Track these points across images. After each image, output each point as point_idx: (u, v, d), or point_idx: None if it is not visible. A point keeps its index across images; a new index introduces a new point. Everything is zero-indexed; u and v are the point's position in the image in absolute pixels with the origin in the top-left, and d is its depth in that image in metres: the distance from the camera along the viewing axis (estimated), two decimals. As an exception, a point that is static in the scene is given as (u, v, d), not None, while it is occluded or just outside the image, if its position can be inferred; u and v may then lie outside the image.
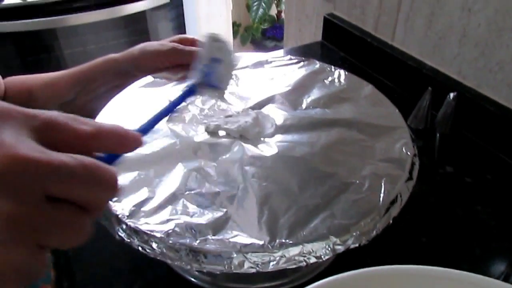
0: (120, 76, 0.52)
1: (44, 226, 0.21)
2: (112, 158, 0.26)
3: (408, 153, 0.40)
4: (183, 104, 0.45)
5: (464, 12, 0.59)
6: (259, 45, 2.61)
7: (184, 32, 1.70)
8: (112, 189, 0.23)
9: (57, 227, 0.21)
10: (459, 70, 0.63)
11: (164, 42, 0.53)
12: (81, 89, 0.52)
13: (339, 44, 0.85)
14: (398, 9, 0.69)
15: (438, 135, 0.62)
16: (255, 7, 2.26)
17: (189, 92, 0.37)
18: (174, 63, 0.51)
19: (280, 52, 0.59)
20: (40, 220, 0.20)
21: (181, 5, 1.63)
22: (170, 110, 0.34)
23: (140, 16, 1.54)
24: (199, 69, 0.40)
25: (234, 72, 0.51)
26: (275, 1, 2.36)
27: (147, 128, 0.31)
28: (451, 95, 0.59)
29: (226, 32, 1.97)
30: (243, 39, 2.57)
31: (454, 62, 0.63)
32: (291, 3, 1.01)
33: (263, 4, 2.24)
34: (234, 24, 2.46)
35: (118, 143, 0.25)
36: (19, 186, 0.20)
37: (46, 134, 0.23)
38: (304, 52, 0.87)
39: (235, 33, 2.50)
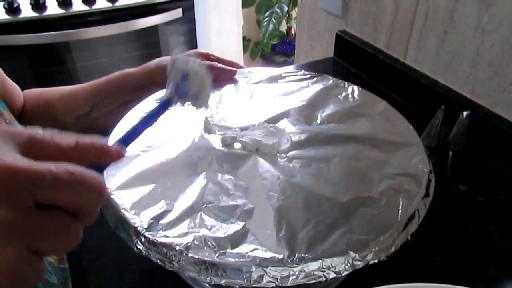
0: (136, 90, 0.53)
1: (35, 232, 0.22)
2: (97, 169, 0.26)
3: (425, 169, 0.40)
4: (198, 115, 0.46)
5: (477, 32, 0.59)
6: (268, 60, 2.64)
7: (196, 47, 1.72)
8: (99, 193, 0.24)
9: (48, 233, 0.22)
10: (472, 89, 0.63)
11: None
12: (97, 103, 0.54)
13: (351, 60, 0.85)
14: (411, 27, 0.70)
15: (450, 153, 0.61)
16: (265, 23, 2.28)
17: (164, 105, 0.38)
18: None
19: (292, 68, 0.60)
20: (30, 225, 0.21)
21: (193, 20, 1.66)
22: (146, 124, 0.35)
23: (153, 30, 1.56)
24: (168, 83, 0.41)
25: (252, 89, 0.52)
26: (285, 17, 2.39)
27: (125, 140, 0.32)
28: (464, 113, 0.59)
29: (236, 47, 1.99)
30: (253, 54, 2.59)
31: (467, 81, 0.63)
32: (303, 19, 1.02)
33: (273, 20, 2.27)
34: (244, 39, 2.48)
35: (98, 155, 0.27)
36: (8, 194, 0.21)
37: (31, 149, 0.24)
38: (316, 68, 0.88)
39: (245, 48, 2.53)
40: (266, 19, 2.28)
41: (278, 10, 2.26)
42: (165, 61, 0.53)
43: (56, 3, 1.37)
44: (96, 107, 0.54)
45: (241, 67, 0.57)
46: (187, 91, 0.41)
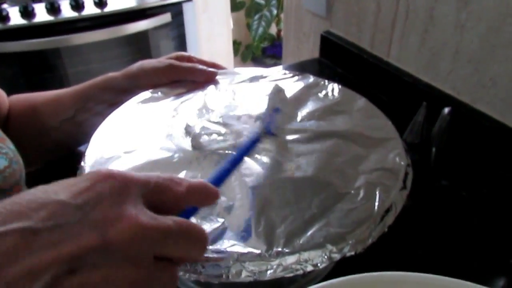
0: (119, 94, 0.53)
1: (153, 285, 0.24)
2: (191, 211, 0.29)
3: (402, 163, 0.41)
4: (179, 116, 0.47)
5: (457, 29, 0.60)
6: (259, 63, 2.65)
7: (186, 51, 1.73)
8: (204, 247, 0.27)
9: (161, 284, 0.24)
10: (454, 86, 0.64)
11: (162, 59, 0.54)
12: (81, 107, 0.54)
13: (336, 60, 0.86)
14: (393, 26, 0.71)
15: (434, 149, 0.62)
16: (255, 26, 2.30)
17: (255, 142, 0.40)
18: (171, 79, 0.53)
19: (278, 68, 0.61)
20: (152, 281, 0.23)
21: (182, 24, 1.67)
22: (238, 160, 0.37)
23: (143, 35, 1.57)
24: (263, 118, 0.43)
25: (234, 89, 0.53)
26: (275, 20, 2.40)
27: (219, 179, 0.33)
28: (446, 110, 0.60)
29: (227, 51, 2.00)
30: (244, 57, 2.61)
31: (449, 77, 0.64)
32: (289, 21, 1.03)
33: (263, 23, 2.28)
34: (234, 42, 2.50)
35: (203, 199, 0.29)
36: (137, 252, 0.23)
37: (153, 198, 0.26)
38: (302, 69, 0.89)
39: (235, 51, 2.54)
40: (256, 22, 2.29)
41: (267, 13, 2.28)
42: (147, 64, 0.53)
43: (45, 10, 1.37)
44: (80, 111, 0.54)
45: (223, 69, 0.58)
46: (276, 125, 0.44)
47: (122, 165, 0.40)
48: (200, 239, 0.26)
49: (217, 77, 0.55)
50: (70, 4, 1.40)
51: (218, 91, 0.53)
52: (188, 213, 0.28)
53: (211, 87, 0.53)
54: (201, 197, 0.29)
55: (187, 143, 0.43)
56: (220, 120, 0.46)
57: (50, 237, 0.21)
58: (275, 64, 2.58)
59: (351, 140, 0.44)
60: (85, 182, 0.24)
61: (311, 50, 0.96)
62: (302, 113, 0.48)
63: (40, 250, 0.20)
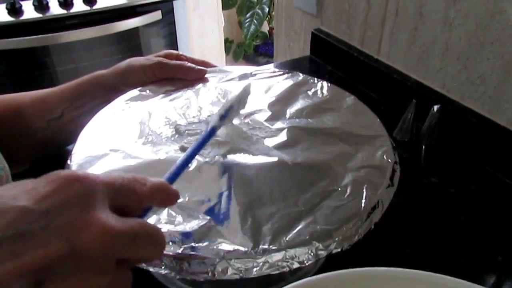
0: (108, 92, 0.53)
1: None
2: (147, 210, 0.28)
3: (389, 160, 0.41)
4: (168, 114, 0.46)
5: (445, 27, 0.60)
6: (251, 61, 2.65)
7: (177, 49, 1.72)
8: (162, 248, 0.26)
9: (120, 286, 0.24)
10: (443, 83, 0.64)
11: (150, 57, 0.54)
12: (69, 106, 0.53)
13: (326, 58, 0.86)
14: (383, 24, 0.71)
15: (424, 146, 0.62)
16: (247, 24, 2.29)
17: (209, 136, 0.39)
18: (159, 76, 0.52)
19: (268, 66, 0.61)
20: (112, 285, 0.23)
21: (173, 22, 1.65)
22: (193, 156, 0.36)
23: (133, 33, 1.56)
24: (219, 113, 0.42)
25: (223, 87, 0.52)
26: (267, 18, 2.40)
27: (174, 176, 0.32)
28: (435, 107, 0.60)
29: (218, 48, 1.99)
30: (236, 56, 2.60)
31: (438, 75, 0.64)
32: (280, 19, 1.03)
33: (254, 21, 2.28)
34: (226, 40, 2.49)
35: (164, 199, 0.29)
36: (107, 259, 0.22)
37: (118, 200, 0.25)
38: (293, 67, 0.89)
39: (227, 50, 2.53)
40: (248, 20, 2.29)
41: (259, 11, 2.27)
42: (136, 61, 0.53)
43: (32, 7, 1.36)
44: (67, 110, 0.53)
45: (212, 66, 0.57)
46: (232, 116, 0.43)
47: (109, 163, 0.39)
48: (159, 240, 0.26)
49: (207, 75, 0.54)
50: (59, 1, 1.38)
51: (207, 89, 0.52)
52: (145, 212, 0.28)
53: (200, 85, 0.53)
54: (162, 197, 0.28)
55: (175, 142, 0.42)
56: (209, 119, 0.46)
57: (12, 247, 0.19)
58: (267, 62, 2.58)
59: (339, 137, 0.43)
60: (48, 186, 0.22)
61: (302, 48, 0.96)
62: (291, 110, 0.48)
63: (0, 262, 0.19)
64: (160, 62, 0.52)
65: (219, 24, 1.95)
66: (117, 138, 0.43)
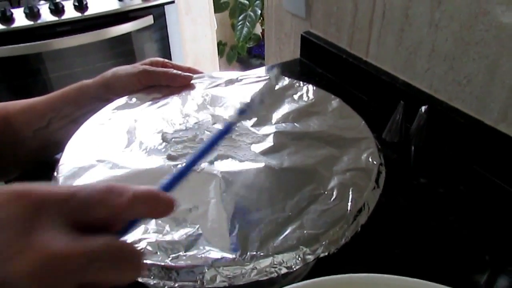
0: (93, 101, 0.53)
1: None
2: (132, 224, 0.25)
3: (375, 162, 0.41)
4: (154, 123, 0.46)
5: (431, 28, 0.61)
6: (245, 63, 2.65)
7: (169, 53, 1.72)
8: (137, 268, 0.23)
9: None
10: (431, 84, 0.64)
11: (136, 65, 0.54)
12: (55, 115, 0.53)
13: (316, 61, 0.87)
14: (370, 26, 0.71)
15: (412, 147, 0.63)
16: (239, 27, 2.29)
17: (224, 133, 0.33)
18: (145, 84, 0.53)
19: (255, 71, 0.61)
20: None
21: (165, 27, 1.66)
22: (200, 158, 0.30)
23: (126, 38, 1.56)
24: (238, 108, 0.36)
25: (210, 93, 0.52)
26: (260, 20, 2.40)
27: (173, 182, 0.28)
28: (423, 108, 0.61)
29: (211, 52, 1.99)
30: (229, 58, 2.60)
31: (425, 76, 0.65)
32: (270, 22, 1.03)
33: (247, 23, 2.28)
34: (220, 43, 2.49)
35: (152, 210, 0.25)
36: (56, 285, 0.20)
37: (81, 214, 0.22)
38: (283, 70, 0.89)
39: (221, 53, 2.53)
40: (240, 22, 2.29)
41: (251, 13, 2.28)
42: (121, 70, 0.53)
43: (23, 15, 1.36)
44: (54, 119, 0.53)
45: (199, 73, 0.58)
46: (255, 110, 0.36)
47: (96, 174, 0.39)
48: (133, 260, 0.23)
49: (193, 82, 0.55)
50: (50, 8, 1.38)
51: (194, 96, 0.52)
52: (130, 226, 0.25)
53: (186, 92, 0.53)
54: (149, 208, 0.24)
55: (163, 151, 0.42)
56: (195, 126, 0.46)
57: None
58: (261, 64, 2.58)
59: (325, 141, 0.44)
60: None
61: (293, 51, 0.97)
62: (277, 115, 0.48)
63: None
64: (146, 70, 0.52)
65: (211, 27, 1.96)
66: (104, 148, 0.43)
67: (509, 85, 0.53)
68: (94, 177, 0.39)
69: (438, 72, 0.63)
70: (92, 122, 0.47)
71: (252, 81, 0.56)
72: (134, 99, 0.51)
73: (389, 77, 0.70)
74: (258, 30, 2.56)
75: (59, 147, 0.48)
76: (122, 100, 0.51)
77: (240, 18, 2.32)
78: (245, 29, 2.28)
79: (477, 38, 0.55)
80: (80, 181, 0.39)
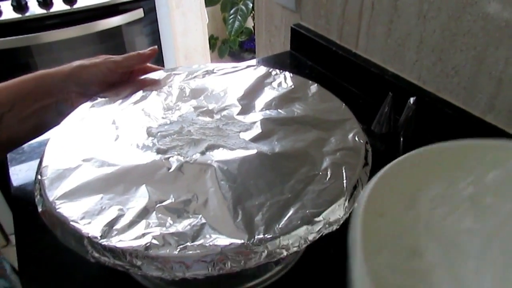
0: (54, 93, 0.50)
1: None
2: None
3: (361, 141, 0.43)
4: (139, 120, 0.46)
5: (420, 19, 0.61)
6: (237, 57, 2.64)
7: (160, 47, 1.71)
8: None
9: None
10: (419, 75, 0.65)
11: (99, 56, 0.54)
12: (9, 110, 0.48)
13: (306, 53, 0.87)
14: (360, 18, 0.72)
15: (401, 138, 0.63)
16: (231, 20, 2.28)
17: None
18: (113, 69, 0.52)
19: (230, 64, 0.60)
20: None
21: (155, 21, 1.64)
22: None
23: (116, 32, 1.54)
24: None
25: (187, 85, 0.52)
26: (251, 14, 2.40)
27: None
28: (411, 99, 0.61)
29: (202, 45, 1.99)
30: (221, 52, 2.59)
31: (414, 67, 0.65)
32: (260, 14, 1.03)
33: (238, 17, 2.27)
34: (211, 37, 2.48)
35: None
36: None
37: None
38: (274, 62, 0.89)
39: (212, 47, 2.52)
40: (232, 16, 2.28)
41: (243, 7, 2.27)
42: (86, 60, 0.52)
43: (11, 7, 1.34)
44: (8, 114, 0.48)
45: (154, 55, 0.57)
46: None
47: (84, 174, 0.38)
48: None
49: (171, 73, 0.55)
50: (38, 1, 1.37)
51: (171, 89, 0.52)
52: None
53: (164, 85, 0.53)
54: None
55: (151, 145, 0.42)
56: (179, 119, 0.46)
57: None
58: (253, 58, 2.58)
59: (311, 124, 0.45)
60: None
61: (283, 43, 0.96)
62: (260, 103, 0.49)
63: None
64: (109, 56, 0.53)
65: (203, 21, 1.95)
66: (88, 147, 0.42)
67: (496, 76, 0.54)
68: (83, 177, 0.38)
69: (427, 64, 0.63)
70: (71, 120, 0.46)
71: (228, 72, 0.56)
72: (107, 98, 0.50)
73: (378, 69, 0.70)
74: (249, 24, 2.55)
75: (29, 136, 0.46)
76: (97, 98, 0.50)
77: (231, 11, 2.31)
78: (237, 23, 2.27)
79: (465, 29, 0.55)
80: (67, 183, 0.37)
